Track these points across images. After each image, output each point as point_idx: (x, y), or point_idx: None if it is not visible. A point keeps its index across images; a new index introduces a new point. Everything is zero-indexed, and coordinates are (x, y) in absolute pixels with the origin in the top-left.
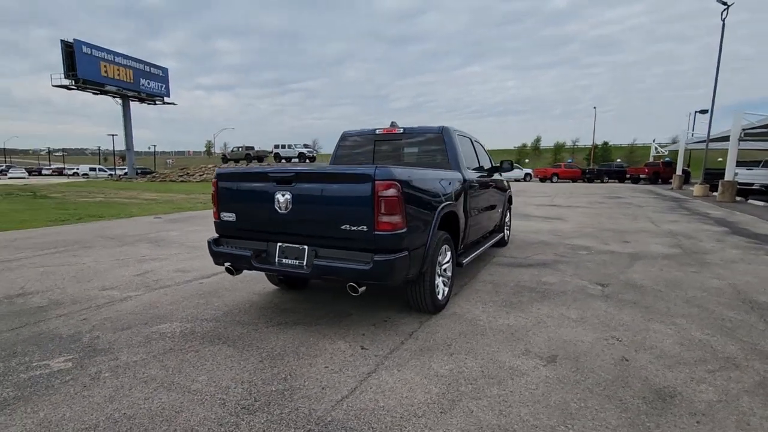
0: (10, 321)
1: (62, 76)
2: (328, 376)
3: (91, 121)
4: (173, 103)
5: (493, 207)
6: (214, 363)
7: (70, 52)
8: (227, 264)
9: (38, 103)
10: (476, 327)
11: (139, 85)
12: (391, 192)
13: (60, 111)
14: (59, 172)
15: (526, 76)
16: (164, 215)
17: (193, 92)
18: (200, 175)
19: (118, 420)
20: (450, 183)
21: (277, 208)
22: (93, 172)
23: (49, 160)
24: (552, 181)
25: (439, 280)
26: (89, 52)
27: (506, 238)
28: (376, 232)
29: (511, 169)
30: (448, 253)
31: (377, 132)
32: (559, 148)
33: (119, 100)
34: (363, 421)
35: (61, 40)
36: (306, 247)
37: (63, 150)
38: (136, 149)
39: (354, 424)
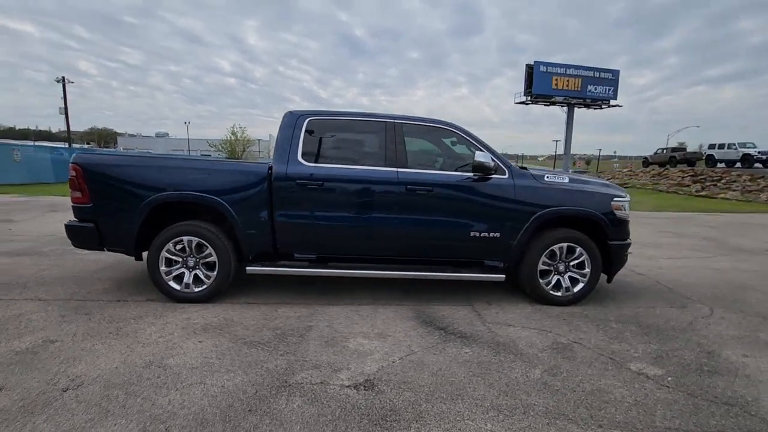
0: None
1: (522, 94)
2: None
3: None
4: (619, 105)
5: (439, 223)
6: None
7: (530, 73)
8: None
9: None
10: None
11: (586, 91)
12: (71, 172)
13: (527, 122)
14: None
15: None
16: None
17: (692, 89)
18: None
19: None
20: (215, 174)
21: None
22: None
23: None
24: None
25: (186, 272)
26: (545, 70)
27: (573, 290)
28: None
29: (491, 170)
30: (209, 249)
31: None
32: None
33: (565, 109)
34: None
35: (526, 65)
36: None
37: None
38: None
39: None
